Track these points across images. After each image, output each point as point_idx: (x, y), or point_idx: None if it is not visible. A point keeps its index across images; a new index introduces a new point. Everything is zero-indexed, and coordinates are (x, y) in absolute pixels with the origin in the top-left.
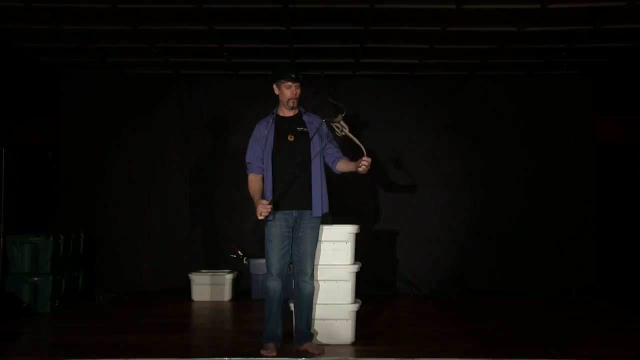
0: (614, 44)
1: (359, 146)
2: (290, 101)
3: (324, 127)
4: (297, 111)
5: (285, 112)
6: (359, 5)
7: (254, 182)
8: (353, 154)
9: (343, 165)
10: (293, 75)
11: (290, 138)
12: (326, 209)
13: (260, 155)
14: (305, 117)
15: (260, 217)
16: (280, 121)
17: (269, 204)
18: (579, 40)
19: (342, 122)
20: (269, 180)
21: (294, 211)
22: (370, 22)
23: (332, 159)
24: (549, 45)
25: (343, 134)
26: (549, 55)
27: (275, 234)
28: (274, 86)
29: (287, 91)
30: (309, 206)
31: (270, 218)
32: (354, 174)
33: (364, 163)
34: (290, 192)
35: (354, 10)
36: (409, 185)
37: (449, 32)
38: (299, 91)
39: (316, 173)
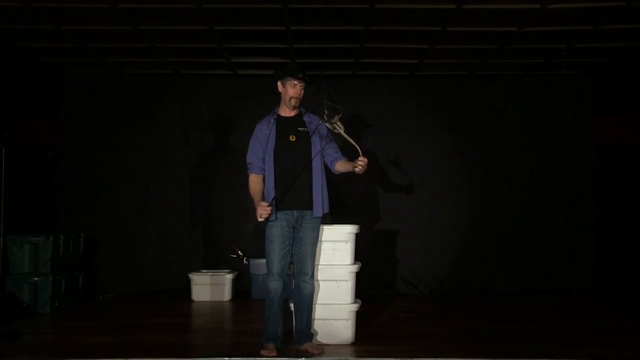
0: (614, 44)
1: (355, 146)
2: (293, 100)
3: (324, 128)
4: (297, 111)
5: (287, 111)
6: (359, 5)
7: (255, 182)
8: (352, 155)
9: (341, 166)
10: (300, 75)
11: (292, 138)
12: (327, 209)
13: (261, 156)
14: (305, 118)
15: (260, 219)
16: (281, 121)
17: (268, 205)
18: (579, 40)
19: (338, 123)
20: (270, 180)
21: (294, 211)
22: (370, 22)
23: (331, 159)
24: (549, 45)
25: (337, 132)
26: (549, 55)
27: (277, 234)
28: (279, 83)
29: (292, 90)
30: (309, 206)
31: (272, 218)
32: (354, 174)
33: (360, 163)
34: (291, 192)
35: (354, 10)
36: (408, 185)
37: (449, 32)
38: (302, 92)
39: (317, 173)
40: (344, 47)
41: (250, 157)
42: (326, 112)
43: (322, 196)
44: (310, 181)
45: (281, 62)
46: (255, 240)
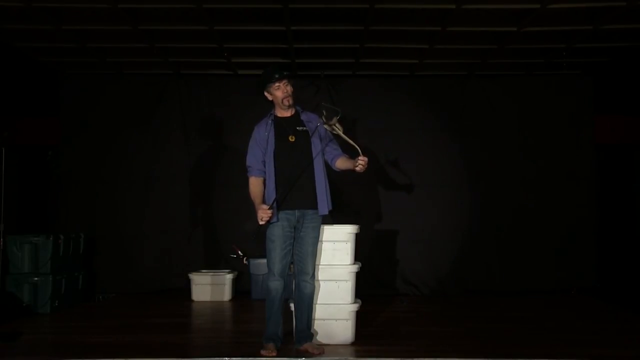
0: (614, 44)
1: (354, 146)
2: (285, 100)
3: (322, 128)
4: (294, 111)
5: (283, 113)
6: (359, 5)
7: (255, 185)
8: (352, 155)
9: (342, 163)
10: (277, 75)
11: (291, 138)
12: (330, 207)
13: (260, 158)
14: (303, 117)
15: (261, 222)
16: (279, 122)
17: (269, 208)
18: (579, 40)
19: (337, 124)
20: (271, 182)
21: (296, 211)
22: (370, 22)
23: (331, 156)
24: (549, 45)
25: (335, 133)
26: (549, 55)
27: (278, 233)
28: (266, 94)
29: (278, 92)
30: (311, 206)
31: (273, 220)
32: (354, 174)
33: (361, 162)
34: (292, 192)
35: (354, 10)
36: (408, 185)
37: (449, 32)
38: (289, 88)
39: (319, 172)
40: (344, 47)
41: (250, 160)
42: (324, 113)
43: (325, 194)
44: (312, 180)
45: (281, 62)
46: (255, 240)
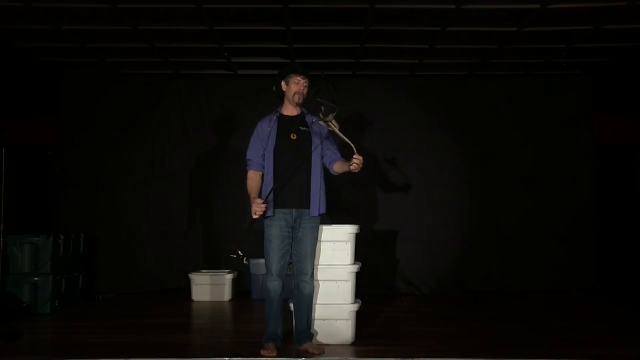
0: (614, 44)
1: (349, 144)
2: (297, 95)
3: (324, 128)
4: (300, 111)
5: (289, 110)
6: (359, 5)
7: (253, 179)
8: (349, 154)
9: (339, 166)
10: (303, 71)
11: (293, 136)
12: (323, 209)
13: (261, 152)
14: (307, 118)
15: (254, 216)
16: (283, 119)
17: (263, 202)
18: (579, 40)
19: (333, 121)
20: (269, 178)
21: (293, 210)
22: (370, 22)
23: (329, 160)
24: (549, 45)
25: (331, 129)
26: (549, 55)
27: (275, 234)
28: (282, 83)
29: (295, 86)
30: (305, 205)
31: (269, 214)
32: (352, 174)
33: (355, 161)
34: (290, 191)
35: (354, 10)
36: (408, 185)
37: (449, 32)
38: (306, 90)
39: (315, 173)
40: (344, 47)
41: (250, 154)
42: (322, 109)
43: (319, 195)
44: (308, 180)
45: (281, 62)
46: (254, 239)
